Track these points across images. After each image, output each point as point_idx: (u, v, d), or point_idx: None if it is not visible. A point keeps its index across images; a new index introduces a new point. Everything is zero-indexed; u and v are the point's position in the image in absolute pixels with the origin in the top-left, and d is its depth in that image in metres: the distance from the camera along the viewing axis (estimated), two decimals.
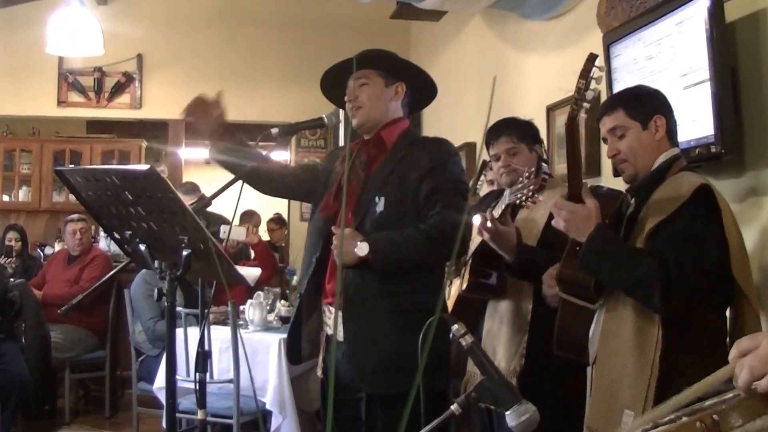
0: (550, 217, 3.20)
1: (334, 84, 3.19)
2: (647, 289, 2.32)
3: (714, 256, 2.33)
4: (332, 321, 3.03)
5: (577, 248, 2.55)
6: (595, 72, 2.61)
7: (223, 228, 5.35)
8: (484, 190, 4.12)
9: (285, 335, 4.51)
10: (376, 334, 2.89)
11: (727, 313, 2.50)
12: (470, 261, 3.39)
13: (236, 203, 2.63)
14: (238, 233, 5.81)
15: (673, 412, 1.36)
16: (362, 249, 2.85)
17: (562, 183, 3.48)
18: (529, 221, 3.33)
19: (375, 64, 3.08)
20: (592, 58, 2.63)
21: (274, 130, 2.91)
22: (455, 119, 6.61)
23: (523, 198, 2.86)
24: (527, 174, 2.85)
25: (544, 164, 2.87)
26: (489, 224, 3.04)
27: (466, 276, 3.44)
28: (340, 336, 2.96)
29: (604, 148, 3.96)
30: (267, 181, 3.24)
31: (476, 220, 3.21)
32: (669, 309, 2.32)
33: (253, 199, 4.28)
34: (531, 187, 2.82)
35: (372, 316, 2.92)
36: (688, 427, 1.29)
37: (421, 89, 3.23)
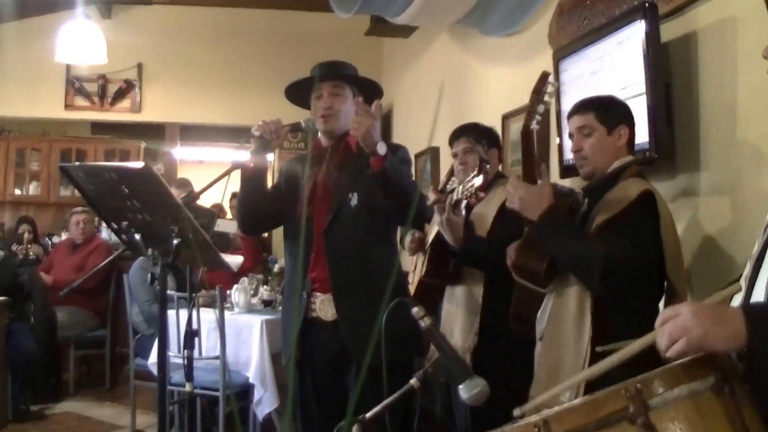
0: (499, 213, 3.24)
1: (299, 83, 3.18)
2: (590, 269, 2.32)
3: (649, 252, 2.35)
4: (318, 304, 3.00)
5: (529, 238, 2.58)
6: (548, 87, 2.62)
7: (219, 222, 5.35)
8: None
9: (267, 317, 4.55)
10: (368, 313, 2.81)
11: (661, 305, 2.51)
12: (428, 250, 3.43)
13: (221, 198, 2.63)
14: (230, 225, 5.79)
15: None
16: (382, 147, 2.76)
17: None
18: (481, 216, 3.38)
19: (348, 78, 3.11)
20: (544, 76, 2.63)
21: (257, 132, 2.90)
22: (422, 125, 6.62)
23: (467, 194, 2.91)
24: (472, 174, 2.89)
25: (486, 164, 2.90)
26: (444, 208, 3.08)
27: (425, 264, 3.48)
28: (329, 316, 2.97)
29: (553, 154, 4.01)
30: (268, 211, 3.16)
31: (431, 196, 3.23)
32: (606, 291, 2.33)
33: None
34: (473, 185, 2.86)
35: (362, 297, 2.91)
36: (614, 394, 1.31)
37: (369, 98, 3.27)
